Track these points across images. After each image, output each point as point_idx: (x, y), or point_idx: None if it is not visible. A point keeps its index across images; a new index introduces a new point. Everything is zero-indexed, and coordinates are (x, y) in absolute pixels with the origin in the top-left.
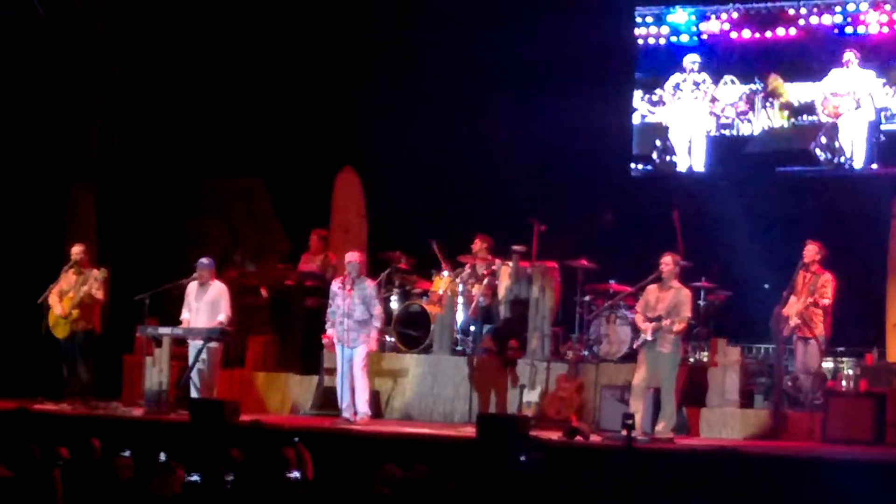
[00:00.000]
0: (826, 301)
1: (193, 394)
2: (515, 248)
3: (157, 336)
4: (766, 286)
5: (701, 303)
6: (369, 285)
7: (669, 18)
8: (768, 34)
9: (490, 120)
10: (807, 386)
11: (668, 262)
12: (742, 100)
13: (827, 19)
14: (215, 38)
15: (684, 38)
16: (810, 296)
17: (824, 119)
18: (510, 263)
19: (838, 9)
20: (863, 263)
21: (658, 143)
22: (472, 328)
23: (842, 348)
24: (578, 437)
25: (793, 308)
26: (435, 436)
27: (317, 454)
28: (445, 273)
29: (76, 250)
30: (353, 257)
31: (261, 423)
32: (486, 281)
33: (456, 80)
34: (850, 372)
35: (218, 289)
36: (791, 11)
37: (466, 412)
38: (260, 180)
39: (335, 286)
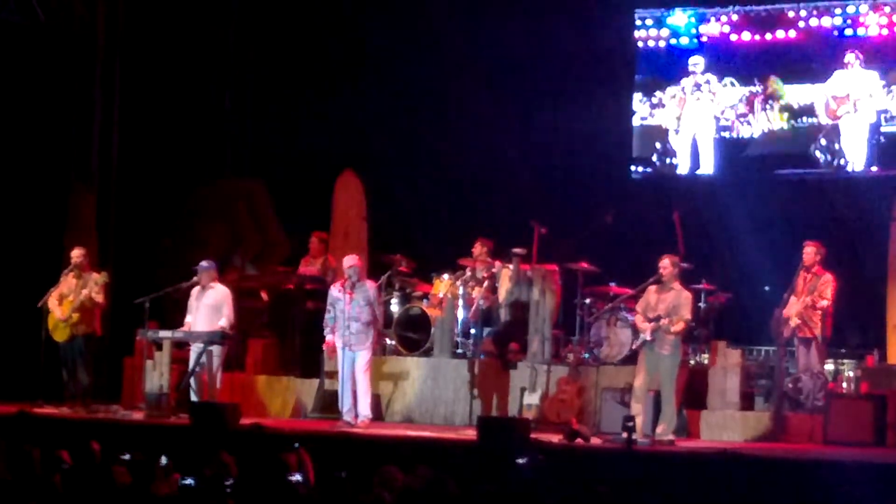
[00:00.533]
0: (825, 302)
1: (193, 397)
2: (516, 250)
3: (157, 339)
4: (767, 288)
5: (701, 305)
6: (371, 288)
7: (669, 21)
8: (768, 36)
9: (491, 123)
10: (808, 388)
11: (666, 264)
12: (742, 102)
13: (827, 21)
14: (215, 41)
15: (684, 41)
16: (810, 296)
17: (824, 121)
18: (511, 266)
19: (838, 11)
20: (863, 266)
21: (658, 145)
22: (473, 331)
23: (842, 350)
24: (579, 440)
25: (792, 309)
26: (436, 439)
27: (318, 457)
28: (445, 276)
29: (76, 254)
30: (352, 261)
31: (261, 426)
32: (486, 284)
33: (457, 83)
34: (851, 374)
35: (220, 293)
36: (791, 13)
37: (467, 415)
38: (260, 183)
39: (335, 291)
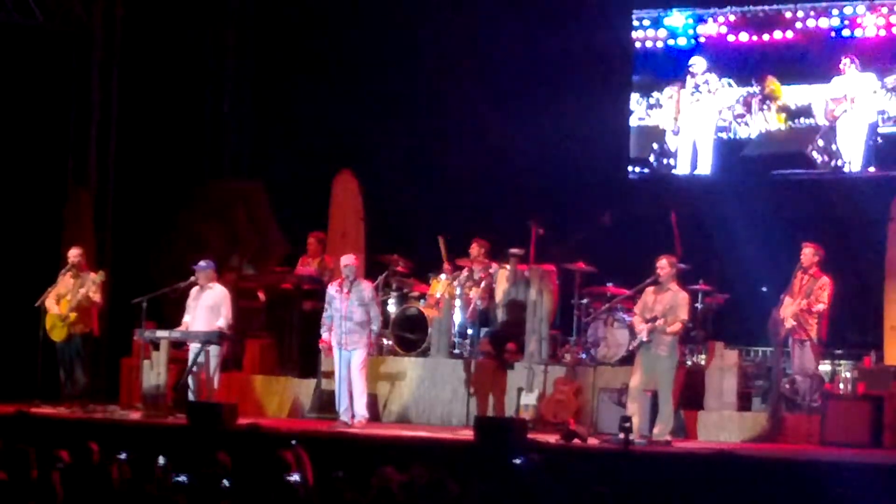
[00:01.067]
0: (821, 306)
1: (191, 397)
2: (513, 250)
3: (154, 339)
4: (764, 289)
5: (698, 305)
6: (367, 287)
7: (667, 22)
8: (765, 37)
9: (488, 123)
10: (804, 388)
11: (663, 265)
12: (739, 103)
13: (824, 22)
14: (212, 42)
15: (682, 42)
16: (806, 298)
17: (821, 122)
18: (508, 266)
19: (835, 12)
20: (860, 266)
21: (655, 146)
22: (470, 331)
23: (839, 351)
24: (576, 440)
25: (788, 310)
26: (433, 439)
27: (315, 458)
28: (443, 276)
29: (73, 253)
30: (349, 260)
31: (259, 426)
32: (483, 284)
33: (454, 83)
34: (848, 375)
35: (218, 293)
36: (788, 14)
37: (464, 415)
38: (258, 183)
39: (332, 290)
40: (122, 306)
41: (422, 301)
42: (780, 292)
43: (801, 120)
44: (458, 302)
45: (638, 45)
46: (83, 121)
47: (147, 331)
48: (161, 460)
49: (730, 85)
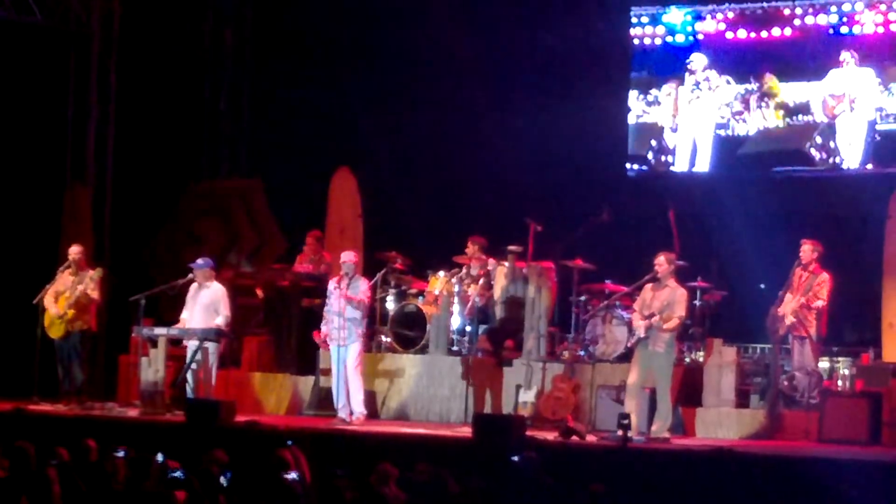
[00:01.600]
0: (820, 303)
1: (189, 394)
2: (511, 248)
3: (152, 336)
4: (762, 286)
5: (697, 302)
6: (362, 284)
7: (665, 18)
8: (764, 34)
9: (486, 120)
10: (803, 385)
11: (661, 262)
12: (737, 100)
13: (822, 19)
14: (209, 39)
15: (680, 38)
16: (805, 295)
17: (820, 119)
18: (506, 263)
19: (833, 8)
20: (859, 263)
21: (654, 142)
22: (468, 328)
23: (838, 348)
24: (574, 438)
25: (788, 306)
26: (431, 436)
27: (313, 455)
28: (442, 273)
29: (73, 251)
30: (348, 257)
31: (257, 423)
32: (481, 281)
33: (452, 80)
34: (847, 372)
35: (216, 291)
36: (786, 11)
37: (462, 412)
38: (256, 180)
39: (331, 286)
40: (120, 303)
41: (420, 298)
42: (778, 289)
43: (800, 117)
44: (456, 299)
45: (636, 41)
46: (81, 118)
47: (145, 328)
48: (159, 457)
49: (728, 82)
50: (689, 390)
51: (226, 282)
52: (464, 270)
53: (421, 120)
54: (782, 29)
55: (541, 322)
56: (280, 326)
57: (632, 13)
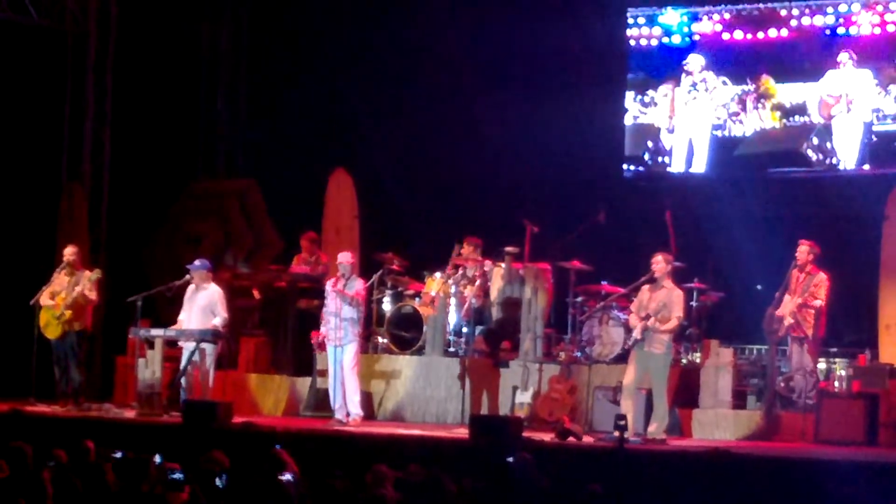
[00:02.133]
0: (819, 303)
1: (183, 396)
2: (508, 249)
3: (149, 338)
4: (759, 287)
5: (694, 303)
6: (358, 285)
7: (661, 19)
8: (760, 35)
9: (483, 121)
10: (799, 386)
11: (658, 261)
12: (734, 101)
13: (819, 20)
14: (206, 40)
15: (676, 40)
16: (802, 296)
17: (816, 120)
18: (502, 264)
19: (830, 10)
20: (855, 264)
21: (650, 143)
22: (465, 329)
23: (834, 349)
24: (571, 439)
25: (786, 308)
26: (428, 437)
27: (309, 456)
28: (438, 274)
29: (69, 251)
30: (344, 258)
31: (253, 424)
32: (478, 282)
33: (448, 81)
34: (843, 373)
35: (213, 293)
36: (783, 12)
37: (459, 413)
38: (253, 181)
39: (328, 286)
40: (117, 305)
41: (417, 299)
42: (775, 290)
43: (796, 118)
44: (452, 300)
45: (633, 42)
46: (78, 119)
47: (142, 329)
48: (157, 459)
49: (725, 83)
50: (686, 391)
51: (223, 283)
52: (460, 272)
53: (417, 121)
54: (779, 30)
55: (537, 323)
56: (277, 327)
57: (628, 14)
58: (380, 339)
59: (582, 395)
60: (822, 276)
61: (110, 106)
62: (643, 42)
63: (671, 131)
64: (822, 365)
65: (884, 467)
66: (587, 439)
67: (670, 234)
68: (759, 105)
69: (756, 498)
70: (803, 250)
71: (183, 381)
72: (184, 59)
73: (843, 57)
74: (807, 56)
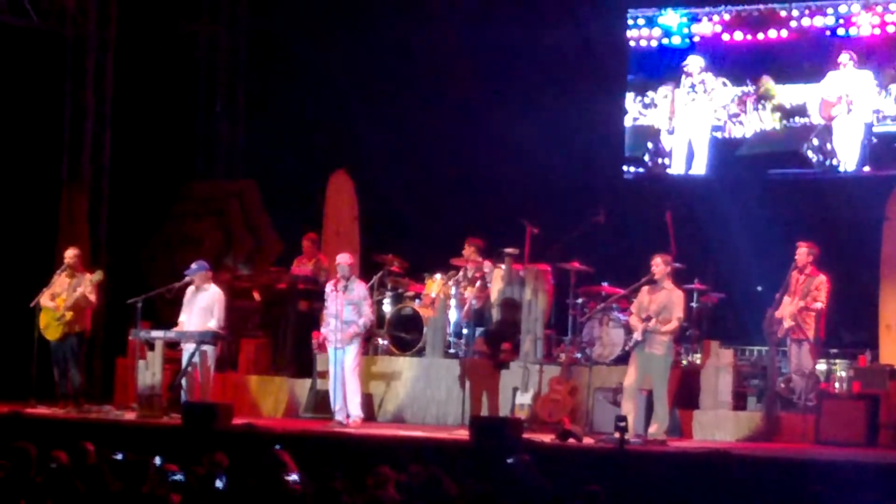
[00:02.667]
0: (819, 305)
1: (183, 397)
2: (508, 250)
3: (149, 339)
4: (759, 288)
5: (694, 305)
6: (359, 287)
7: (661, 21)
8: (760, 36)
9: (483, 122)
10: (800, 387)
11: (658, 263)
12: (734, 102)
13: (819, 21)
14: (205, 41)
15: (676, 41)
16: (803, 298)
17: (816, 121)
18: (503, 266)
19: (830, 10)
20: (856, 265)
21: (650, 145)
22: (465, 331)
23: (835, 350)
24: (571, 440)
25: (786, 309)
26: (428, 439)
27: (310, 458)
28: (438, 276)
29: (70, 254)
30: (343, 259)
31: (253, 426)
32: (478, 283)
33: (449, 82)
34: (843, 374)
35: (212, 294)
36: (783, 13)
37: (459, 415)
38: (253, 183)
39: (329, 288)
40: (117, 307)
41: (417, 301)
42: (775, 291)
43: (796, 119)
44: (453, 301)
45: (633, 44)
46: (77, 120)
47: (142, 331)
48: (157, 460)
49: (724, 84)
50: (686, 392)
51: (223, 284)
52: (460, 273)
53: (417, 122)
54: (778, 31)
55: (537, 324)
56: (277, 329)
57: (628, 15)
58: (380, 341)
59: (582, 396)
60: (821, 278)
61: (110, 108)
62: (643, 43)
63: (671, 133)
64: (822, 366)
65: (884, 468)
66: (587, 440)
67: (670, 235)
68: (760, 106)
69: (756, 499)
70: (802, 252)
71: (183, 382)
72: (183, 61)
73: (844, 58)
74: (807, 57)
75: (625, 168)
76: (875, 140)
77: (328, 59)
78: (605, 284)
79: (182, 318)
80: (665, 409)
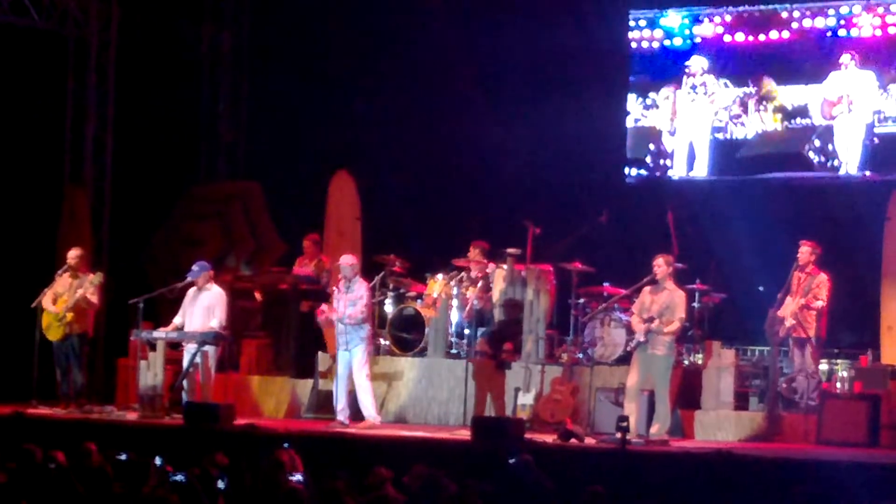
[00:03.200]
0: (820, 303)
1: (185, 398)
2: (510, 250)
3: (151, 340)
4: (761, 288)
5: (695, 305)
6: (360, 286)
7: (663, 22)
8: (761, 37)
9: (485, 123)
10: (802, 388)
11: (659, 263)
12: (735, 103)
13: (820, 22)
14: (207, 42)
15: (678, 42)
16: (804, 296)
17: (818, 122)
18: (505, 266)
19: (831, 11)
20: (857, 266)
21: (652, 146)
22: (467, 331)
23: (836, 350)
24: (573, 440)
25: (787, 309)
26: (430, 439)
27: (312, 458)
28: (440, 276)
29: (73, 254)
30: (346, 260)
31: (255, 426)
32: (480, 284)
33: (451, 83)
34: (845, 374)
35: (214, 294)
36: (784, 14)
37: (461, 415)
38: (255, 183)
39: (335, 289)
40: (119, 307)
41: (419, 301)
42: (776, 291)
43: (798, 120)
44: (455, 302)
45: (634, 45)
46: (79, 121)
47: (144, 331)
48: (158, 461)
49: (726, 85)
50: (688, 393)
51: (225, 285)
52: (462, 273)
53: (419, 123)
54: (780, 32)
55: (539, 325)
56: (279, 330)
57: (630, 17)
58: (382, 341)
59: (584, 396)
60: (823, 277)
61: (112, 108)
62: (645, 44)
63: (673, 134)
64: (823, 366)
65: (886, 468)
66: (589, 441)
67: (672, 235)
68: (761, 107)
69: (758, 499)
70: (805, 251)
71: (185, 383)
72: (185, 62)
73: (846, 58)
74: (808, 58)
75: (626, 169)
76: (876, 141)
77: (330, 59)
78: (606, 285)
79: (177, 319)
80: (667, 409)
